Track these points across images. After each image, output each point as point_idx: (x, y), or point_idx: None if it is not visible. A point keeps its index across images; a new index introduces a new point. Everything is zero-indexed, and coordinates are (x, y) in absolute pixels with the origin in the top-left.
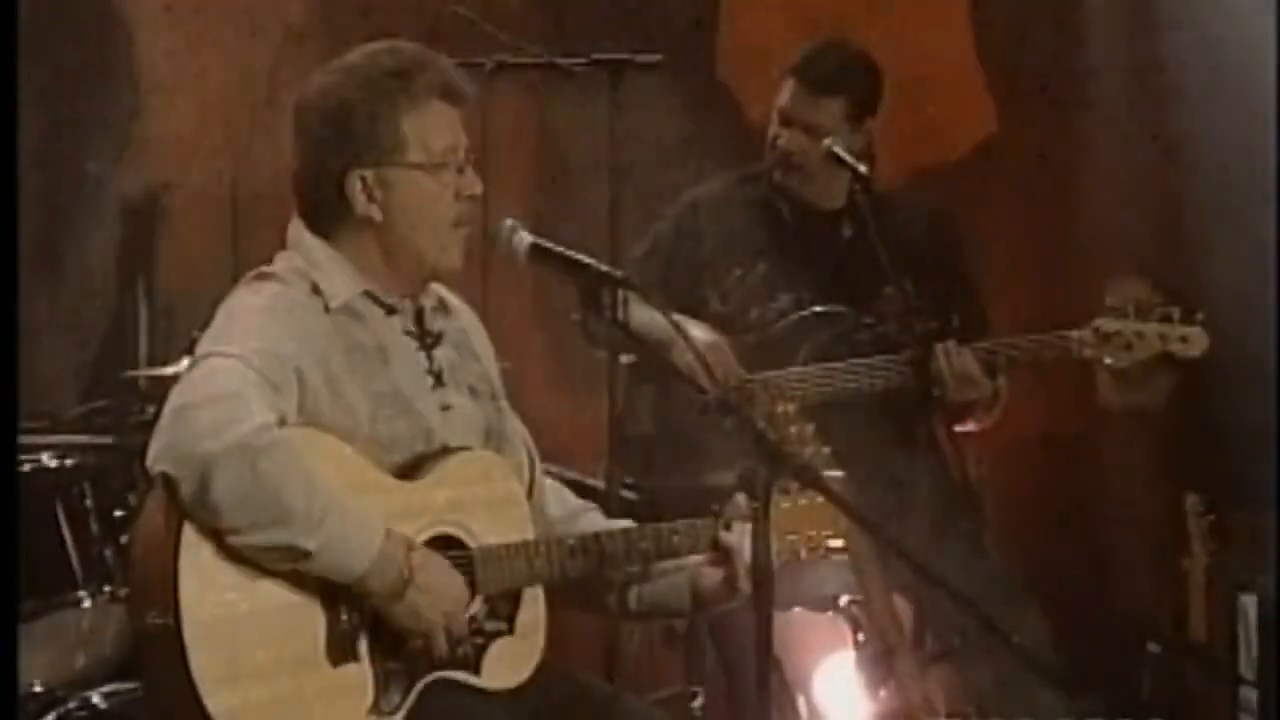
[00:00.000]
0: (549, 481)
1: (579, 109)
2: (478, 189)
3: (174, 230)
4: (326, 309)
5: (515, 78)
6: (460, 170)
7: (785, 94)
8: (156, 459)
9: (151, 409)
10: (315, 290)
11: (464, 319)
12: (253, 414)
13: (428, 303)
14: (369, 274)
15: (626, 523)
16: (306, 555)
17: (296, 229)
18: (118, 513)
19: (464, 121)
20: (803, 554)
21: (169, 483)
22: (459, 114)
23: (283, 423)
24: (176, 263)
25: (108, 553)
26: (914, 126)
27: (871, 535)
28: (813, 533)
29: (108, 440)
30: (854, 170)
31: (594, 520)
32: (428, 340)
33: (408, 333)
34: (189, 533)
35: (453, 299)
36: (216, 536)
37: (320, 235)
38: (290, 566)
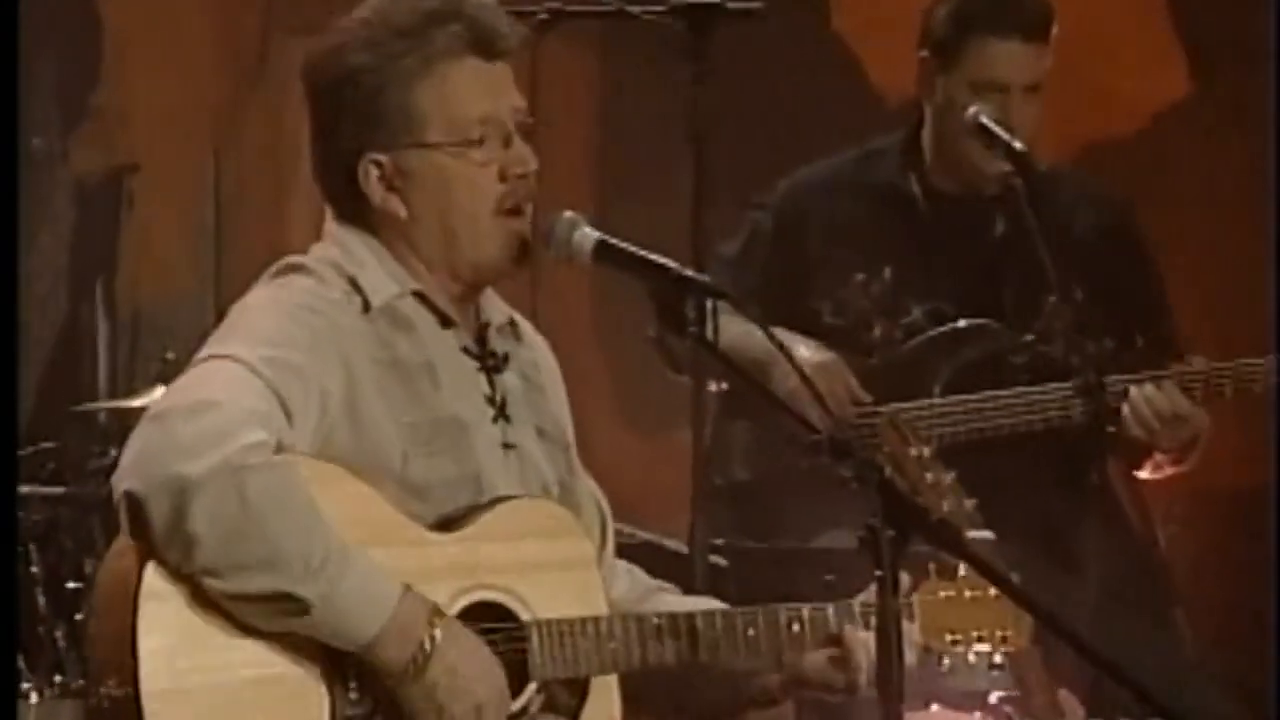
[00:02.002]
0: (616, 559)
1: (653, 69)
2: (530, 165)
3: (142, 223)
4: (366, 308)
5: (573, 30)
6: (506, 142)
7: (983, 57)
8: (122, 475)
9: (114, 452)
10: (354, 287)
11: (536, 349)
12: (247, 429)
13: (494, 317)
14: (418, 276)
15: (715, 603)
16: (303, 610)
17: (332, 219)
18: (72, 584)
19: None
20: (945, 661)
21: (136, 508)
22: (505, 69)
23: (284, 450)
24: (145, 264)
25: (59, 634)
26: (1082, 91)
27: (1034, 616)
28: (969, 632)
29: (58, 490)
30: (1007, 147)
31: (669, 604)
32: (490, 362)
33: (466, 350)
34: (154, 577)
35: (525, 324)
36: (190, 582)
37: (359, 226)
38: (283, 625)
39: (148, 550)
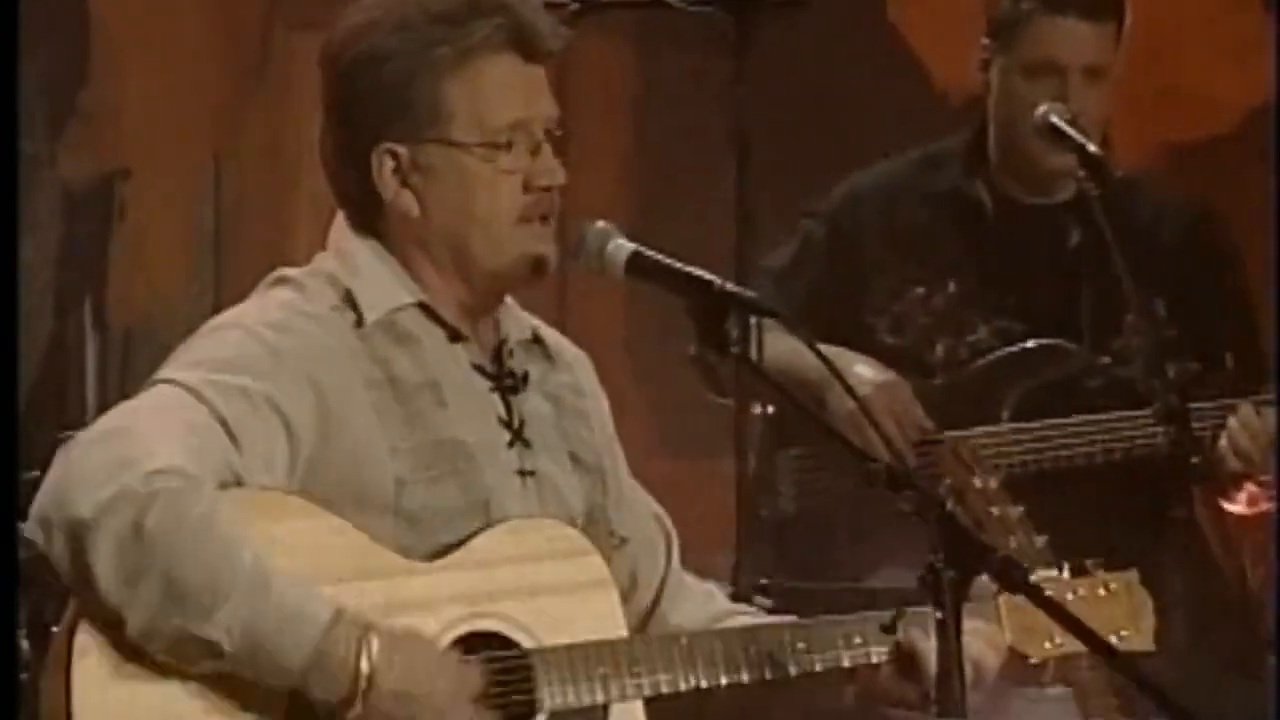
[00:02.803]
0: (693, 580)
1: (693, 64)
2: (557, 178)
3: (135, 232)
4: (360, 323)
5: (605, 22)
6: (534, 151)
7: (1038, 36)
8: (30, 519)
9: None
10: (348, 301)
11: (575, 370)
12: (155, 455)
13: (515, 333)
14: (427, 285)
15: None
16: (218, 652)
17: (338, 224)
18: (57, 627)
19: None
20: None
21: (43, 559)
22: (541, 73)
23: (238, 483)
24: (138, 277)
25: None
26: (1164, 87)
27: (1107, 660)
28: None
29: None
30: (1081, 149)
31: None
32: (506, 381)
33: (477, 367)
34: (84, 634)
35: (560, 341)
36: (116, 631)
37: (366, 232)
38: (210, 667)
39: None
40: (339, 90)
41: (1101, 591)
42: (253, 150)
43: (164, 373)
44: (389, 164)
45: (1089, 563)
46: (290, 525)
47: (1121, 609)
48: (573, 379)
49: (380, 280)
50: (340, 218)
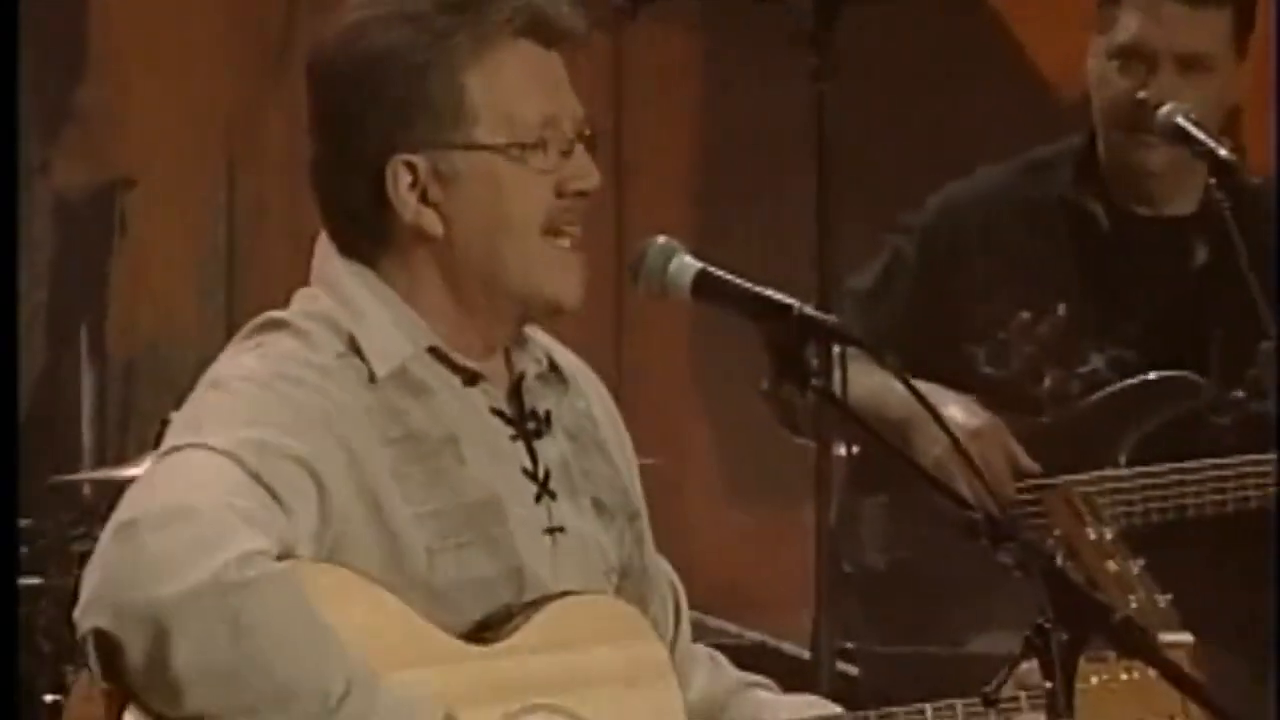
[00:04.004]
0: (695, 646)
1: (767, 59)
2: (591, 181)
3: (138, 250)
4: (372, 378)
5: (666, 11)
6: (565, 152)
7: (1128, 16)
8: (87, 608)
9: (101, 531)
10: (353, 349)
11: (587, 392)
12: (237, 537)
13: (529, 365)
14: (436, 320)
15: (828, 706)
16: None
17: (324, 253)
18: (49, 696)
19: (571, 72)
20: None
21: (106, 648)
22: (559, 60)
23: (287, 555)
24: (141, 300)
25: None
26: None
27: None
28: None
29: (35, 581)
30: (1212, 155)
31: (762, 703)
32: (529, 425)
33: (496, 412)
34: None
35: (568, 359)
36: None
37: (360, 260)
38: None
39: (124, 695)
40: (341, 98)
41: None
42: (272, 156)
43: (187, 436)
44: (405, 178)
45: None
46: (345, 602)
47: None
48: (585, 405)
49: (385, 323)
50: (324, 243)
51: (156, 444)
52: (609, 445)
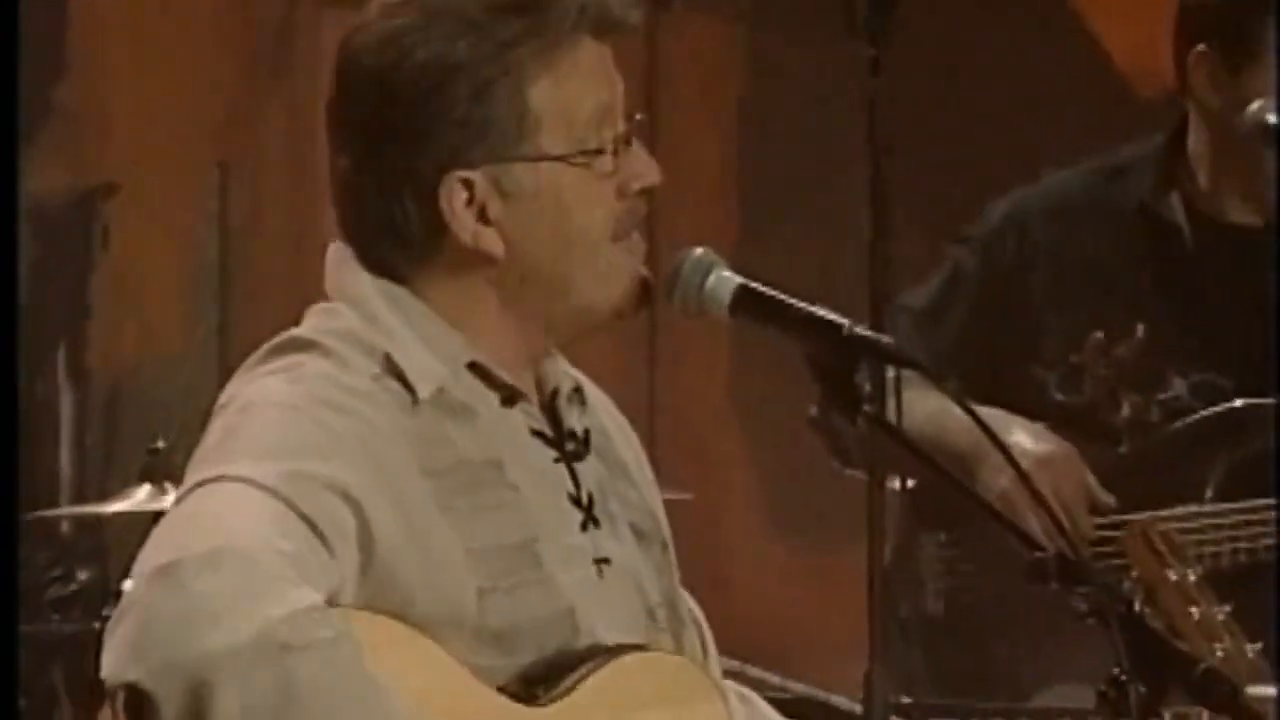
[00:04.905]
0: (724, 683)
1: (815, 52)
2: (652, 177)
3: (122, 263)
4: (414, 400)
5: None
6: (617, 149)
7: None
8: (120, 663)
9: (83, 574)
10: (389, 370)
11: (600, 411)
12: (288, 589)
13: (561, 380)
14: (475, 335)
15: None
16: None
17: (344, 265)
18: None
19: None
20: None
21: (140, 705)
22: (608, 51)
23: (333, 599)
24: (125, 318)
25: None
26: None
27: None
28: None
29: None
30: None
31: None
32: (569, 446)
33: (537, 433)
34: None
35: (580, 376)
36: None
37: (390, 277)
38: None
39: None
40: (388, 112)
41: None
42: (269, 159)
43: (222, 467)
44: (461, 196)
45: None
46: (397, 661)
47: None
48: (599, 423)
49: (421, 341)
50: (340, 253)
51: (143, 476)
52: (628, 464)
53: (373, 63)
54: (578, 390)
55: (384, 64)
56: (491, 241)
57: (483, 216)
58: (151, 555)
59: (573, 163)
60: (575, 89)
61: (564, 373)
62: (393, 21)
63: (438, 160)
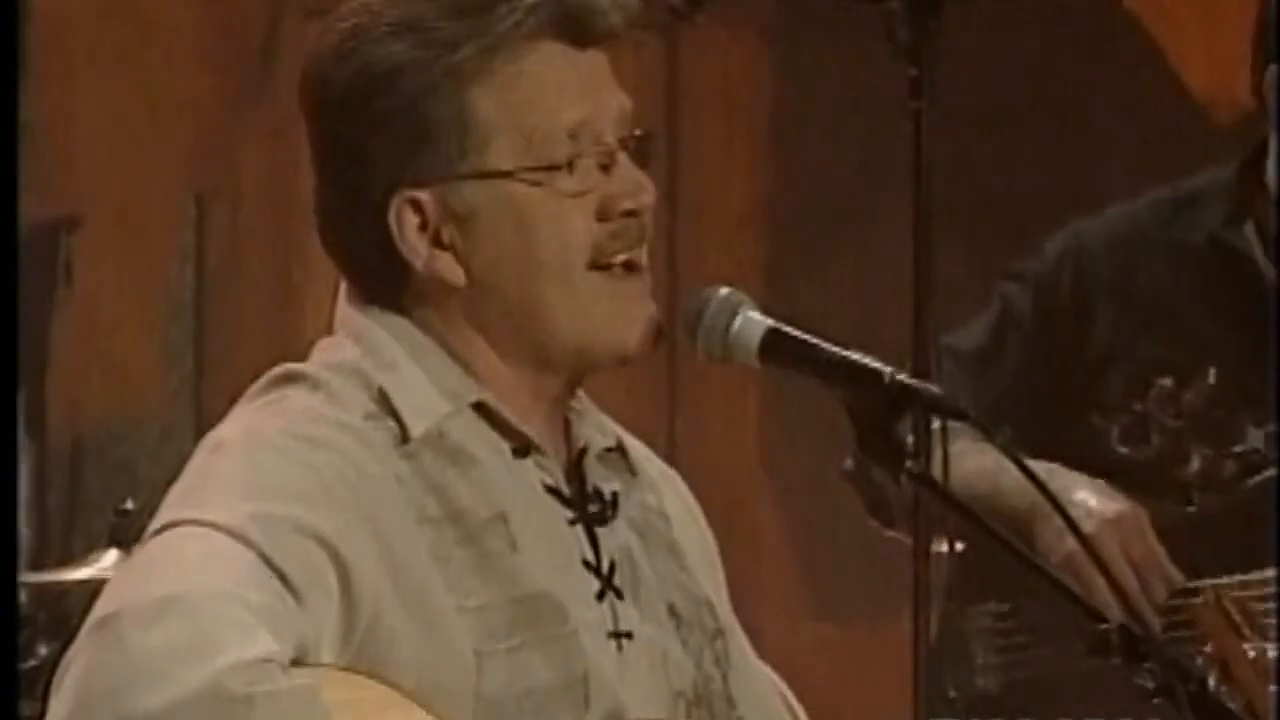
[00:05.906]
0: None
1: (851, 70)
2: (644, 196)
3: (86, 303)
4: (404, 438)
5: (730, 10)
6: (606, 165)
7: None
8: (63, 713)
9: (43, 650)
10: (383, 405)
11: (662, 488)
12: (241, 637)
13: (593, 437)
14: (483, 375)
15: None
16: None
17: (349, 298)
18: None
19: (615, 68)
20: None
21: None
22: (602, 60)
23: (304, 657)
24: (90, 365)
25: None
26: None
27: None
28: None
29: None
30: None
31: None
32: (590, 508)
33: (551, 490)
34: None
35: (640, 448)
36: None
37: (393, 309)
38: None
39: None
40: (335, 126)
41: None
42: (250, 188)
43: (185, 510)
44: (412, 220)
45: None
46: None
47: None
48: (656, 500)
49: (421, 376)
50: (349, 290)
51: (111, 540)
52: (686, 549)
53: (319, 70)
54: (615, 451)
55: (327, 70)
56: (448, 268)
57: (438, 241)
58: (103, 603)
59: (522, 179)
60: (529, 99)
61: (600, 432)
62: (342, 24)
63: (386, 178)
